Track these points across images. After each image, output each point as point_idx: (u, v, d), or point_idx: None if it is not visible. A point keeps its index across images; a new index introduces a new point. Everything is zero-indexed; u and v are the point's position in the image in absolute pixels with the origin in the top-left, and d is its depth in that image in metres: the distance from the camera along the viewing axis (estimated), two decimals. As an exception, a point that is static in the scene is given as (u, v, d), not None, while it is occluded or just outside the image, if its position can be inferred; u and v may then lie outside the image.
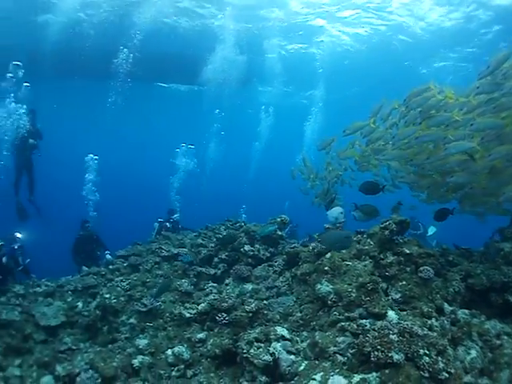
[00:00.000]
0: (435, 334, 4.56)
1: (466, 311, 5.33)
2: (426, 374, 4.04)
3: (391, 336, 4.29)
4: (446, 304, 5.50)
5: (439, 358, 4.19)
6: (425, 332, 4.47)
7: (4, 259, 8.24)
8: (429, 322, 5.01)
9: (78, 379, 4.84)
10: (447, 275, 5.99)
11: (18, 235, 9.10)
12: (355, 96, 26.58)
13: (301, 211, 10.32)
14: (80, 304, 7.18)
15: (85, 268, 9.22)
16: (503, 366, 4.60)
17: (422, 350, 4.20)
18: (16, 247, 8.90)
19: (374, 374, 4.10)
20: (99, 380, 4.72)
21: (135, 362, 5.17)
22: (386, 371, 4.07)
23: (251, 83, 27.00)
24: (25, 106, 13.47)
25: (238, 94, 25.55)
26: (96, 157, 14.37)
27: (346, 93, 27.57)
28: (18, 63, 14.58)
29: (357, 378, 4.07)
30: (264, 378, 4.68)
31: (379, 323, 4.59)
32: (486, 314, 5.34)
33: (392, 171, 7.99)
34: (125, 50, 19.27)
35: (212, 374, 5.04)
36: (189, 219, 13.60)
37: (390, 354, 4.08)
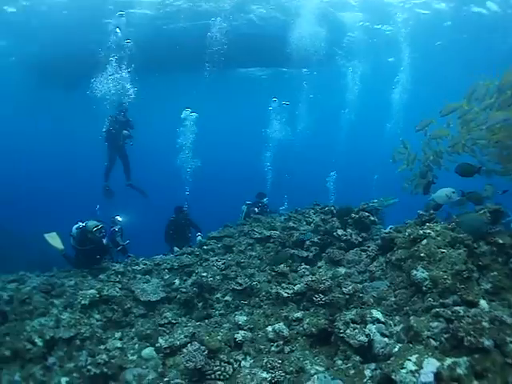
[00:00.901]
0: None
1: None
2: (510, 361, 4.47)
3: (483, 323, 4.74)
4: None
5: None
6: None
7: (105, 240, 9.53)
8: None
9: (184, 351, 5.69)
10: None
11: (119, 218, 10.45)
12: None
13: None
14: (177, 281, 8.14)
15: (176, 248, 10.33)
16: None
17: (508, 339, 4.62)
18: (116, 229, 10.21)
19: (465, 357, 4.55)
20: (205, 352, 5.55)
21: (238, 337, 5.92)
22: (476, 356, 4.53)
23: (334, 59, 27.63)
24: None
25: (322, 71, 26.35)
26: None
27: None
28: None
29: (448, 360, 4.55)
30: (358, 357, 5.28)
31: (473, 310, 5.04)
32: None
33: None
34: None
35: (307, 352, 5.70)
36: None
37: (481, 340, 4.56)
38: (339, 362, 5.37)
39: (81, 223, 9.60)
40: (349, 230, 8.65)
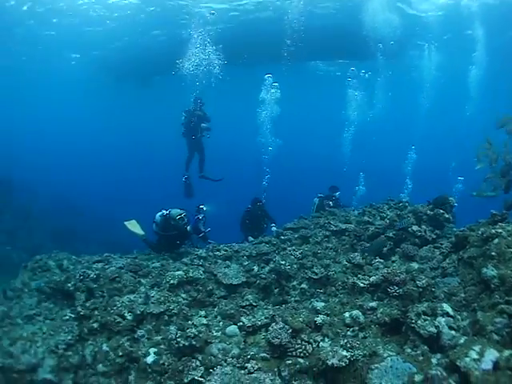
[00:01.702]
0: None
1: None
2: None
3: None
4: None
5: None
6: None
7: (188, 227, 10.70)
8: None
9: (270, 328, 6.61)
10: None
11: (203, 207, 11.66)
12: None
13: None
14: (256, 268, 9.05)
15: (251, 238, 11.35)
16: None
17: None
18: (200, 217, 11.43)
19: None
20: (290, 331, 6.48)
21: (318, 320, 6.75)
22: None
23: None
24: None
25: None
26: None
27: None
28: None
29: (506, 352, 5.16)
30: (425, 347, 5.97)
31: None
32: None
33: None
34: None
35: (379, 339, 6.48)
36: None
37: None
38: (408, 349, 6.06)
39: (165, 211, 10.75)
40: (423, 227, 9.29)
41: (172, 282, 8.31)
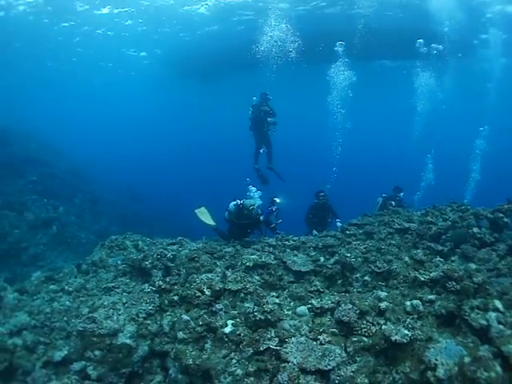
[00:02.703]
0: None
1: None
2: None
3: None
4: None
5: None
6: None
7: (261, 217, 11.95)
8: None
9: (339, 308, 7.72)
10: None
11: (277, 200, 12.70)
12: None
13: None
14: (322, 258, 10.11)
15: (315, 232, 12.45)
16: None
17: None
18: (273, 209, 12.50)
19: None
20: (358, 311, 7.55)
21: (382, 305, 7.76)
22: None
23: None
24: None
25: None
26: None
27: None
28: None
29: None
30: (474, 337, 6.86)
31: None
32: None
33: None
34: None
35: (434, 329, 7.44)
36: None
37: None
38: (460, 339, 6.99)
39: (238, 201, 12.03)
40: (483, 229, 10.14)
41: (248, 264, 9.58)
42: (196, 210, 12.86)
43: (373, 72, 35.66)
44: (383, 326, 7.20)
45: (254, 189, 12.88)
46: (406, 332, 6.85)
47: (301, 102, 43.78)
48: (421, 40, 24.99)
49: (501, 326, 6.83)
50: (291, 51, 22.26)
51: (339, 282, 9.63)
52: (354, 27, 24.46)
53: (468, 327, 7.04)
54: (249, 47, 23.13)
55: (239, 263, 9.74)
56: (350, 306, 7.60)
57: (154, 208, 31.38)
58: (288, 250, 10.69)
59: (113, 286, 9.51)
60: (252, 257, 9.79)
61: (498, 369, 5.94)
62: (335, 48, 22.34)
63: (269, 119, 18.05)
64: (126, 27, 32.38)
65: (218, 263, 9.95)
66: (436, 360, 6.28)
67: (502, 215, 10.26)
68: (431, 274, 8.59)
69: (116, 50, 37.00)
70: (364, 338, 7.11)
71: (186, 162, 60.10)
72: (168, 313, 8.54)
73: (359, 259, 9.90)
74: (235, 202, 12.14)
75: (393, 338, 6.77)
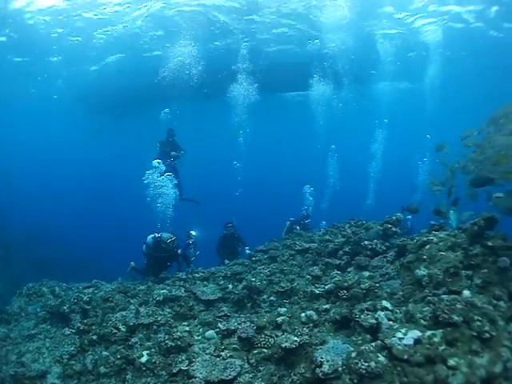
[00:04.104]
0: (491, 308, 6.89)
1: None
2: (475, 333, 6.47)
3: (457, 305, 6.85)
4: None
5: (487, 324, 6.47)
6: (484, 306, 6.85)
7: (180, 251, 12.46)
8: (495, 302, 7.17)
9: (239, 327, 8.33)
10: None
11: (193, 233, 13.30)
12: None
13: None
14: (230, 286, 10.74)
15: (227, 261, 13.07)
16: None
17: (476, 317, 6.53)
18: (190, 242, 13.13)
19: (440, 330, 6.72)
20: (255, 327, 8.18)
21: (279, 319, 8.38)
22: (448, 329, 6.67)
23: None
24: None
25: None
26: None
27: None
28: None
29: (428, 332, 6.74)
30: (368, 336, 7.51)
31: (452, 296, 7.27)
32: None
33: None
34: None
35: (331, 333, 8.12)
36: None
37: (452, 316, 6.72)
38: (354, 338, 7.63)
39: (156, 234, 12.48)
40: (375, 240, 11.02)
41: (158, 298, 10.17)
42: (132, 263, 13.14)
43: (276, 103, 37.11)
44: (279, 337, 7.81)
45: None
46: (295, 339, 7.52)
47: (208, 135, 44.70)
48: (316, 74, 26.67)
49: (390, 322, 7.55)
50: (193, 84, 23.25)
51: (248, 305, 10.28)
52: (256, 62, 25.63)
53: (361, 327, 7.69)
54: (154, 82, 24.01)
55: (151, 299, 10.23)
56: (248, 324, 8.22)
57: (69, 250, 30.78)
58: (198, 282, 11.19)
59: (35, 333, 9.96)
60: (162, 291, 10.35)
61: (381, 359, 6.59)
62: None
63: (172, 153, 18.63)
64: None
65: (131, 301, 10.44)
66: (321, 358, 6.91)
67: (390, 226, 11.24)
68: (326, 287, 9.37)
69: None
70: (264, 350, 7.79)
71: (100, 204, 58.94)
72: (89, 352, 9.09)
73: (264, 282, 10.56)
74: (153, 235, 12.56)
75: (283, 345, 7.43)
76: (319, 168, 25.92)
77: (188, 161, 19.43)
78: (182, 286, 10.95)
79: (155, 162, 13.66)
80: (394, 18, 25.60)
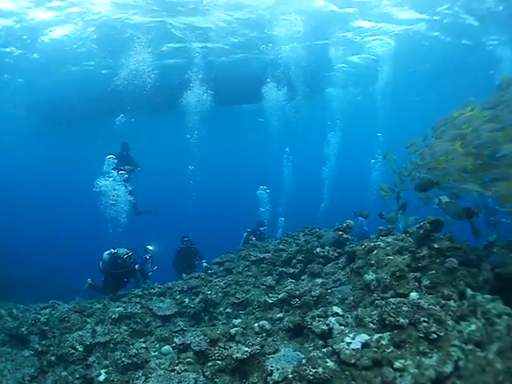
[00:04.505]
0: (438, 308, 7.06)
1: (488, 296, 7.28)
2: (422, 335, 6.65)
3: (403, 308, 7.07)
4: (468, 289, 7.62)
5: (434, 325, 6.59)
6: (430, 307, 7.04)
7: (137, 266, 12.41)
8: (443, 302, 7.31)
9: (193, 340, 8.45)
10: (481, 265, 8.49)
11: (150, 247, 13.28)
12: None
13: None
14: (187, 300, 10.81)
15: (184, 275, 13.17)
16: (495, 340, 6.56)
17: (422, 318, 6.65)
18: (148, 257, 13.09)
19: (388, 333, 6.96)
20: (208, 340, 8.30)
21: (232, 331, 8.53)
22: (395, 331, 6.89)
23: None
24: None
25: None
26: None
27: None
28: None
29: (376, 336, 6.98)
30: (320, 342, 7.72)
31: (398, 299, 7.52)
32: None
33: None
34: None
35: (286, 341, 8.30)
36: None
37: (398, 319, 6.92)
38: (306, 345, 7.87)
39: (113, 250, 12.41)
40: (327, 248, 11.28)
41: (113, 316, 10.19)
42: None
43: (230, 112, 37.41)
44: (231, 349, 8.00)
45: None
46: (246, 349, 7.71)
47: (163, 146, 44.71)
48: (269, 84, 27.09)
49: (342, 327, 7.77)
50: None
51: (206, 318, 10.38)
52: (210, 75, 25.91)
53: (313, 334, 7.89)
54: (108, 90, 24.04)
55: (107, 317, 10.27)
56: (202, 337, 8.34)
57: (25, 269, 30.13)
58: (155, 298, 11.26)
59: (-4, 357, 9.90)
60: (117, 309, 10.40)
61: (330, 364, 6.78)
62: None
63: (126, 167, 18.46)
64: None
65: (88, 320, 10.42)
66: (271, 367, 7.14)
67: (341, 233, 11.52)
68: (279, 296, 9.53)
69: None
70: (218, 362, 7.90)
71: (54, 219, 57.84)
72: (49, 373, 9.05)
73: (220, 294, 10.70)
74: (109, 251, 12.48)
75: (234, 356, 7.62)
76: (275, 174, 26.33)
77: (143, 172, 19.44)
78: (138, 302, 10.99)
79: (110, 158, 13.45)
80: (347, 32, 26.58)
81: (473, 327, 6.79)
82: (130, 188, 18.29)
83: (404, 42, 27.20)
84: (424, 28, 26.04)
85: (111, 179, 14.06)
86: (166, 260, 15.88)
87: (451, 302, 7.35)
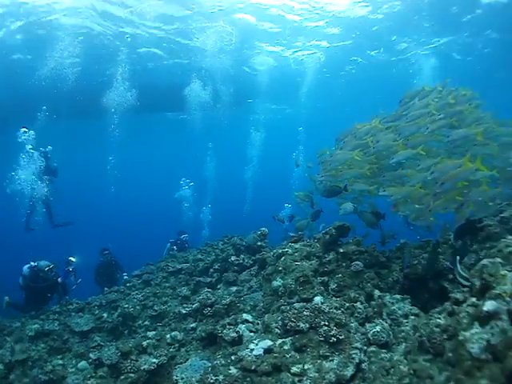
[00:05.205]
0: (339, 311, 7.41)
1: (398, 296, 7.73)
2: (322, 338, 6.79)
3: (304, 312, 7.43)
4: (376, 291, 8.01)
5: (334, 328, 6.86)
6: (331, 310, 7.40)
7: (60, 279, 12.24)
8: (347, 304, 7.66)
9: (104, 355, 8.68)
10: (391, 267, 9.09)
11: (72, 259, 13.13)
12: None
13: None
14: (105, 314, 11.01)
15: (106, 289, 13.28)
16: (400, 341, 6.85)
17: (322, 322, 6.95)
18: (70, 269, 12.94)
19: (290, 338, 7.32)
20: (119, 354, 8.54)
21: (144, 343, 8.83)
22: (297, 336, 7.25)
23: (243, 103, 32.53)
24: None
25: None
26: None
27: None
28: None
29: (279, 341, 7.34)
30: (231, 350, 8.03)
31: (301, 304, 7.99)
32: (426, 300, 7.75)
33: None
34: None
35: (199, 351, 8.67)
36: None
37: (298, 324, 7.29)
38: (217, 353, 8.24)
39: (33, 263, 12.10)
40: (242, 256, 11.70)
41: (30, 334, 10.31)
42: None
43: (155, 120, 37.58)
44: (139, 361, 8.34)
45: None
46: (154, 360, 8.07)
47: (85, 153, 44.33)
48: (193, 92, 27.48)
49: (251, 334, 8.16)
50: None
51: (126, 332, 10.58)
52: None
53: (225, 342, 8.24)
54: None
55: (25, 335, 10.32)
56: (113, 351, 8.57)
57: None
58: (73, 313, 11.36)
59: None
60: (34, 326, 10.50)
61: (232, 371, 7.11)
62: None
63: (44, 176, 18.15)
64: None
65: (7, 339, 10.44)
66: (177, 377, 7.51)
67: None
68: (193, 306, 9.89)
69: None
70: (131, 375, 8.14)
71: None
72: None
73: (138, 307, 10.95)
74: (29, 265, 12.12)
75: (142, 368, 7.98)
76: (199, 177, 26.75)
77: (62, 180, 19.26)
78: (56, 319, 11.07)
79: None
80: (274, 45, 27.43)
81: (377, 328, 7.05)
82: (49, 199, 18.19)
83: (331, 56, 28.35)
84: (350, 42, 27.17)
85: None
86: (89, 272, 15.90)
87: (358, 304, 7.69)
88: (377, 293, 8.00)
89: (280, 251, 9.75)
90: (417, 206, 8.28)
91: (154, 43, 26.06)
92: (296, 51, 28.23)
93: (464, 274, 7.20)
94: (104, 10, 22.52)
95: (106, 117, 25.30)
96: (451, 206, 8.05)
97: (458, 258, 7.57)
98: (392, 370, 6.31)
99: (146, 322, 10.63)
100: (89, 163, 44.28)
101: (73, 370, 9.21)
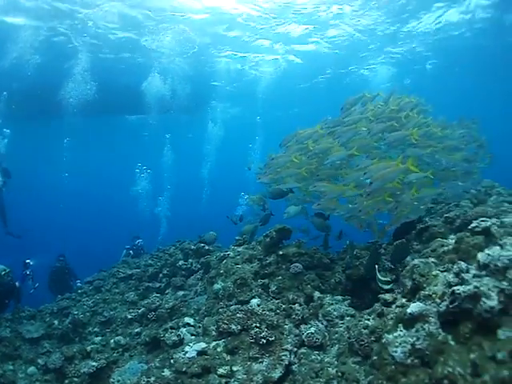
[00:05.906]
0: (272, 314, 7.79)
1: (339, 297, 7.91)
2: (252, 340, 7.13)
3: (238, 314, 7.80)
4: (316, 292, 8.20)
5: (265, 330, 7.22)
6: (264, 312, 7.74)
7: (17, 283, 12.05)
8: (285, 306, 7.91)
9: (48, 360, 9.07)
10: (335, 268, 9.20)
11: (30, 262, 13.06)
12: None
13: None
14: (56, 321, 11.29)
15: (60, 296, 13.50)
16: (334, 342, 7.00)
17: (254, 324, 7.33)
18: (28, 272, 12.86)
19: (223, 340, 7.71)
20: (63, 358, 8.97)
21: (88, 348, 9.28)
22: (229, 338, 7.63)
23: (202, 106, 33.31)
24: None
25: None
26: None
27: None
28: None
29: (214, 343, 7.72)
30: (172, 351, 8.61)
31: (235, 307, 8.34)
32: (370, 300, 7.57)
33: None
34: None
35: (143, 355, 9.09)
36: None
37: (230, 326, 7.66)
38: (160, 356, 8.61)
39: None
40: (190, 260, 12.13)
41: None
42: None
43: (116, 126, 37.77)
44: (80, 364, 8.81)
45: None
46: (94, 364, 8.54)
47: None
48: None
49: (193, 337, 8.50)
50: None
51: (76, 339, 10.89)
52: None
53: (167, 346, 8.58)
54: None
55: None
56: (58, 355, 8.98)
57: None
58: (25, 321, 11.63)
59: None
60: (-16, 333, 10.73)
61: (166, 373, 7.49)
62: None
63: None
64: None
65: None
66: (113, 379, 7.97)
67: (202, 245, 12.50)
68: (139, 311, 10.33)
69: None
70: (75, 379, 8.61)
71: None
72: None
73: (88, 314, 11.33)
74: None
75: (81, 371, 8.52)
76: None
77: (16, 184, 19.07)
78: (7, 326, 11.32)
79: None
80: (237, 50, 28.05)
81: (312, 330, 7.24)
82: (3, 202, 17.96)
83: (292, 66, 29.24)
84: (313, 48, 27.86)
85: None
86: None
87: (296, 306, 7.92)
88: (317, 294, 8.18)
89: (222, 254, 10.19)
90: (350, 205, 8.63)
91: (112, 44, 26.11)
92: (256, 57, 28.74)
93: (383, 279, 7.65)
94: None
95: (57, 118, 25.27)
96: (382, 207, 8.38)
97: (376, 265, 7.87)
98: (321, 372, 6.49)
99: (96, 329, 10.95)
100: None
101: (23, 375, 9.57)
